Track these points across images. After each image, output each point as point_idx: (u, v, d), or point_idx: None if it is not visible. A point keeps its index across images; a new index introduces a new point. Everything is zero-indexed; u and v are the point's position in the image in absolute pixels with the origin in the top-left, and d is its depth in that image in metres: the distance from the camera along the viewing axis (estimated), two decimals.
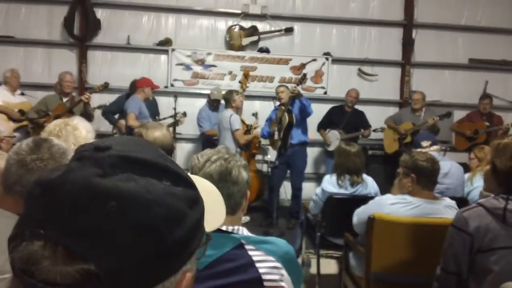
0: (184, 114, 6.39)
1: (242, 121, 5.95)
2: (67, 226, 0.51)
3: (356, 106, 6.85)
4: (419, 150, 3.92)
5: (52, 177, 0.54)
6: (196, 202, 0.60)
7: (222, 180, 1.53)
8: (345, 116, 6.57)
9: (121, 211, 0.51)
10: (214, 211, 0.65)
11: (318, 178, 7.11)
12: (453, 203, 2.82)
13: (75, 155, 0.57)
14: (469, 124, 6.72)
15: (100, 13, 7.26)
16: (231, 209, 1.56)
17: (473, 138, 6.53)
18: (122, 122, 5.98)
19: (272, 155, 6.47)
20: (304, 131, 6.04)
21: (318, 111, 6.72)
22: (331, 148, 6.48)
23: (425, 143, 4.21)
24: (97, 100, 6.44)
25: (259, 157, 6.99)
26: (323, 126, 6.69)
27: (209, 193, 0.65)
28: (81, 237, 0.50)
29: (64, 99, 5.74)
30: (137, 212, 0.52)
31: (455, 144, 6.90)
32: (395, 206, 2.80)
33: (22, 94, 6.16)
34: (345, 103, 6.71)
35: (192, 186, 0.60)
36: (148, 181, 0.54)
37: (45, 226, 0.51)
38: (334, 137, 6.52)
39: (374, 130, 6.60)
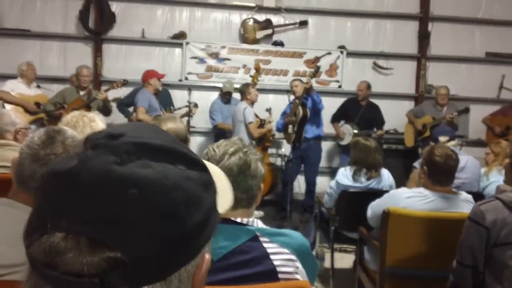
0: (196, 105, 6.39)
1: (255, 115, 5.95)
2: (89, 216, 0.50)
3: (371, 100, 6.80)
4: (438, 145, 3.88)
5: (67, 166, 0.53)
6: (210, 184, 0.61)
7: (242, 173, 1.53)
8: (360, 110, 6.50)
9: (142, 197, 0.51)
10: (223, 193, 0.65)
11: (331, 172, 7.10)
12: (469, 197, 2.79)
13: (89, 143, 0.56)
14: (502, 118, 6.57)
15: (115, 6, 7.29)
16: (248, 202, 1.57)
17: (504, 134, 6.37)
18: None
19: (286, 148, 6.46)
20: (319, 125, 6.02)
21: (333, 104, 6.71)
22: (344, 142, 6.45)
23: (442, 138, 4.16)
24: (113, 93, 6.47)
25: (273, 150, 6.99)
26: (337, 118, 6.63)
27: (217, 176, 0.65)
28: (104, 226, 0.50)
29: (81, 93, 5.78)
30: (158, 198, 0.52)
31: (486, 138, 6.77)
32: (411, 199, 2.78)
33: (38, 87, 6.22)
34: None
35: (205, 169, 0.61)
36: (164, 166, 0.55)
37: (65, 217, 0.50)
38: (347, 131, 6.48)
39: (387, 132, 6.52)
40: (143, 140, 0.56)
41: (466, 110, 6.05)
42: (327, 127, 6.58)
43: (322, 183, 6.34)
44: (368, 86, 6.59)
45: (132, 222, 0.51)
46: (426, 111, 6.41)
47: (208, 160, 1.59)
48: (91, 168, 0.52)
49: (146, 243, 0.51)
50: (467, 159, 3.94)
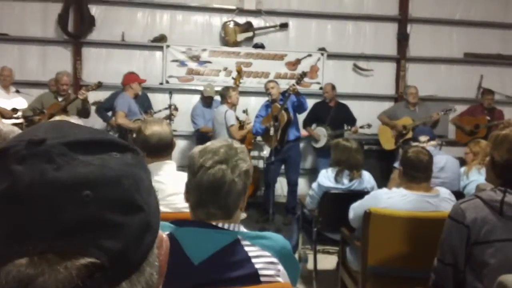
0: (175, 108, 6.35)
1: (236, 117, 5.94)
2: (49, 232, 0.47)
3: (351, 101, 6.85)
4: (416, 144, 3.93)
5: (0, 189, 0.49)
6: (144, 163, 0.59)
7: (215, 190, 1.50)
8: (330, 111, 6.54)
9: (96, 196, 0.49)
10: None
11: (307, 174, 7.14)
12: (448, 192, 2.83)
13: (11, 159, 0.50)
14: (470, 118, 6.70)
15: (94, 9, 7.21)
16: (225, 215, 1.53)
17: (474, 132, 6.52)
18: None
19: (268, 151, 6.46)
20: (297, 127, 6.09)
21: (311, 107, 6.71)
22: (319, 145, 6.49)
23: (423, 138, 4.19)
24: (93, 97, 6.42)
25: (254, 153, 6.98)
26: (308, 122, 6.64)
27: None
28: (69, 236, 0.47)
29: (60, 98, 5.71)
30: (111, 191, 0.51)
31: (455, 138, 6.88)
32: (392, 199, 2.80)
33: (17, 91, 6.13)
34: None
35: (135, 150, 0.59)
36: (101, 158, 0.52)
37: (21, 242, 0.47)
38: (322, 134, 6.51)
39: (361, 127, 6.58)
40: (70, 138, 0.53)
41: (452, 109, 6.14)
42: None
43: (301, 185, 6.35)
44: (333, 87, 6.65)
45: (96, 223, 0.49)
46: (400, 113, 6.46)
47: (188, 168, 1.59)
48: (30, 184, 0.48)
49: (115, 240, 0.49)
50: (447, 159, 3.99)
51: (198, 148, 1.59)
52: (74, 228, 0.48)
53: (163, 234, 0.59)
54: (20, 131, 1.67)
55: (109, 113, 6.17)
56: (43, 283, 0.46)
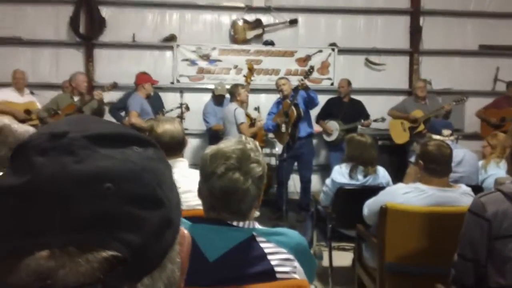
0: (187, 107, 6.37)
1: (247, 115, 5.92)
2: (70, 224, 0.46)
3: (364, 96, 6.78)
4: (438, 137, 3.84)
5: (20, 182, 0.48)
6: (164, 158, 0.59)
7: (227, 197, 1.47)
8: (343, 107, 6.51)
9: (117, 189, 0.48)
10: None
11: (320, 170, 7.10)
12: (468, 189, 2.76)
13: (32, 151, 0.50)
14: (496, 111, 6.57)
15: (105, 11, 7.25)
16: (239, 218, 1.50)
17: (500, 125, 6.39)
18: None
19: (280, 148, 6.42)
20: (310, 123, 6.04)
21: (324, 103, 6.66)
22: (331, 138, 6.45)
23: (446, 132, 4.08)
24: (105, 97, 6.43)
25: (266, 150, 6.95)
26: (321, 117, 6.62)
27: None
28: (91, 228, 0.46)
29: (75, 98, 5.73)
30: (133, 185, 0.50)
31: (480, 131, 6.75)
32: (408, 195, 2.75)
33: (32, 93, 6.19)
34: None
35: (156, 145, 0.58)
36: (123, 152, 0.52)
37: (42, 234, 0.46)
38: (334, 127, 6.47)
39: (375, 120, 6.52)
40: (91, 132, 0.52)
41: (463, 99, 6.02)
42: (315, 125, 6.57)
43: (313, 181, 6.32)
44: (349, 83, 6.63)
45: (117, 216, 0.48)
46: (410, 107, 6.37)
47: (200, 170, 1.55)
48: (51, 176, 0.48)
49: (136, 234, 0.48)
50: (465, 153, 3.91)
51: (209, 151, 1.53)
52: (95, 220, 0.47)
53: (185, 230, 0.59)
54: (35, 130, 1.67)
55: (122, 113, 6.20)
56: (63, 276, 0.45)
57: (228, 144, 1.52)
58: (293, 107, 5.64)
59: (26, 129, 1.64)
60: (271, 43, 7.37)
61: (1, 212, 0.48)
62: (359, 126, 6.44)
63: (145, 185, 0.51)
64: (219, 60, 7.28)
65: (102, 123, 0.57)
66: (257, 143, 1.60)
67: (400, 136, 6.41)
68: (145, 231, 0.49)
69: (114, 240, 0.47)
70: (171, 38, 7.28)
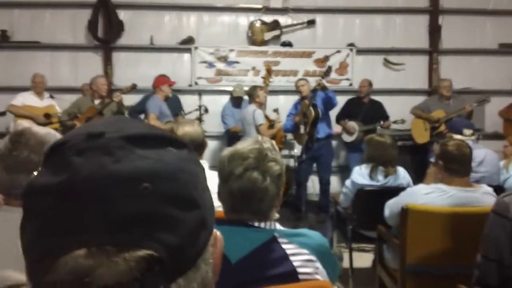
0: (206, 110, 6.40)
1: (266, 117, 5.93)
2: (108, 224, 0.47)
3: (383, 97, 6.72)
4: (459, 136, 3.79)
5: (57, 181, 0.49)
6: (197, 160, 0.59)
7: (247, 198, 1.48)
8: (363, 108, 6.47)
9: (155, 189, 0.49)
10: None
11: (339, 171, 7.06)
12: (490, 190, 2.73)
13: (69, 151, 0.51)
14: None
15: (122, 14, 7.31)
16: (261, 218, 1.51)
17: None
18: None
19: (298, 149, 6.41)
20: (329, 124, 6.03)
21: (344, 103, 6.63)
22: (350, 139, 6.42)
23: (467, 132, 4.03)
24: (124, 100, 6.49)
25: (285, 151, 6.94)
26: (341, 118, 6.59)
27: None
28: (128, 228, 0.47)
29: (96, 102, 5.79)
30: (170, 185, 0.51)
31: (503, 131, 6.65)
32: (430, 196, 2.72)
33: (52, 97, 6.27)
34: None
35: (189, 146, 0.59)
36: (158, 153, 0.53)
37: (80, 233, 0.47)
38: (353, 128, 6.44)
39: (395, 122, 6.46)
40: (128, 132, 0.53)
41: (486, 100, 5.94)
42: (335, 126, 6.53)
43: (333, 182, 6.30)
44: (370, 84, 6.59)
45: (154, 216, 0.48)
46: (433, 107, 6.30)
47: (218, 172, 1.56)
48: (89, 175, 0.48)
49: (173, 234, 0.49)
50: (486, 152, 3.85)
51: (227, 152, 1.54)
52: (132, 220, 0.48)
53: (217, 232, 0.59)
54: (56, 133, 1.69)
55: (141, 116, 6.24)
56: (101, 275, 0.46)
57: (244, 144, 1.53)
58: (311, 108, 5.62)
59: (47, 131, 1.67)
60: (289, 44, 7.36)
61: (39, 210, 0.49)
62: (378, 127, 6.40)
63: (181, 185, 0.51)
64: (237, 62, 7.29)
65: (138, 124, 0.58)
66: (273, 142, 1.60)
67: (421, 135, 6.35)
68: (181, 231, 0.49)
69: (151, 240, 0.47)
70: (189, 40, 7.31)
